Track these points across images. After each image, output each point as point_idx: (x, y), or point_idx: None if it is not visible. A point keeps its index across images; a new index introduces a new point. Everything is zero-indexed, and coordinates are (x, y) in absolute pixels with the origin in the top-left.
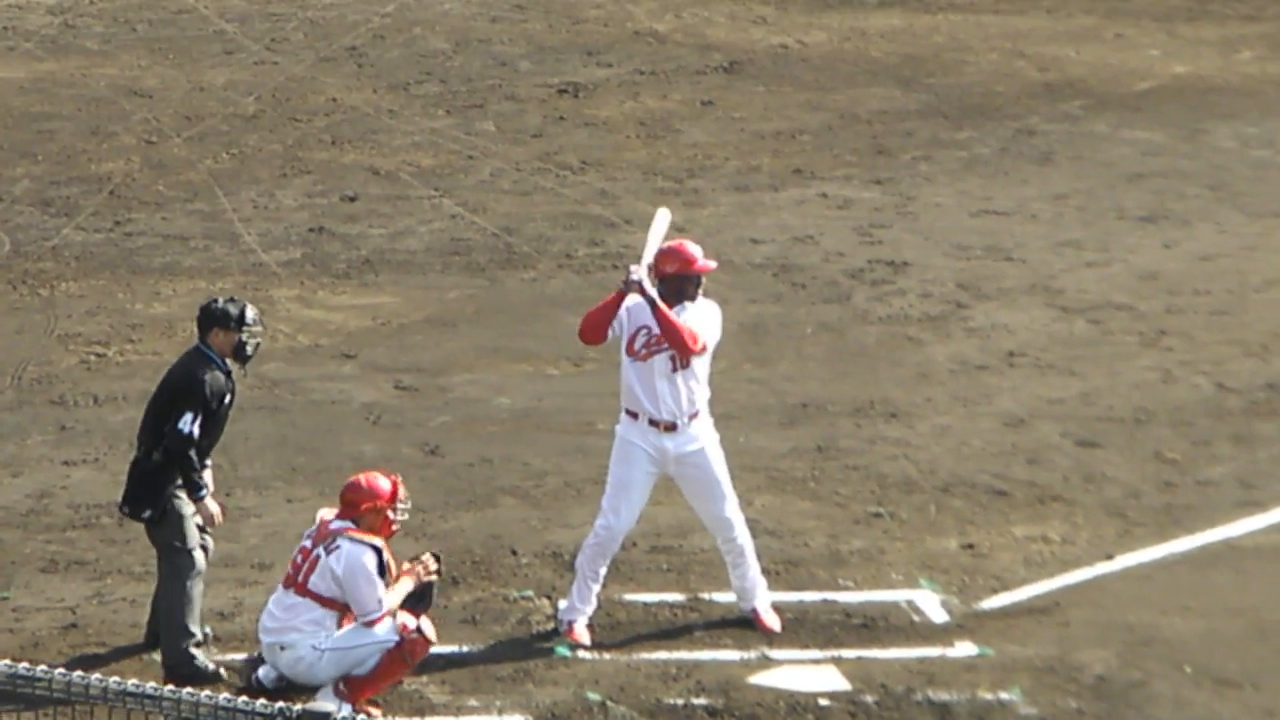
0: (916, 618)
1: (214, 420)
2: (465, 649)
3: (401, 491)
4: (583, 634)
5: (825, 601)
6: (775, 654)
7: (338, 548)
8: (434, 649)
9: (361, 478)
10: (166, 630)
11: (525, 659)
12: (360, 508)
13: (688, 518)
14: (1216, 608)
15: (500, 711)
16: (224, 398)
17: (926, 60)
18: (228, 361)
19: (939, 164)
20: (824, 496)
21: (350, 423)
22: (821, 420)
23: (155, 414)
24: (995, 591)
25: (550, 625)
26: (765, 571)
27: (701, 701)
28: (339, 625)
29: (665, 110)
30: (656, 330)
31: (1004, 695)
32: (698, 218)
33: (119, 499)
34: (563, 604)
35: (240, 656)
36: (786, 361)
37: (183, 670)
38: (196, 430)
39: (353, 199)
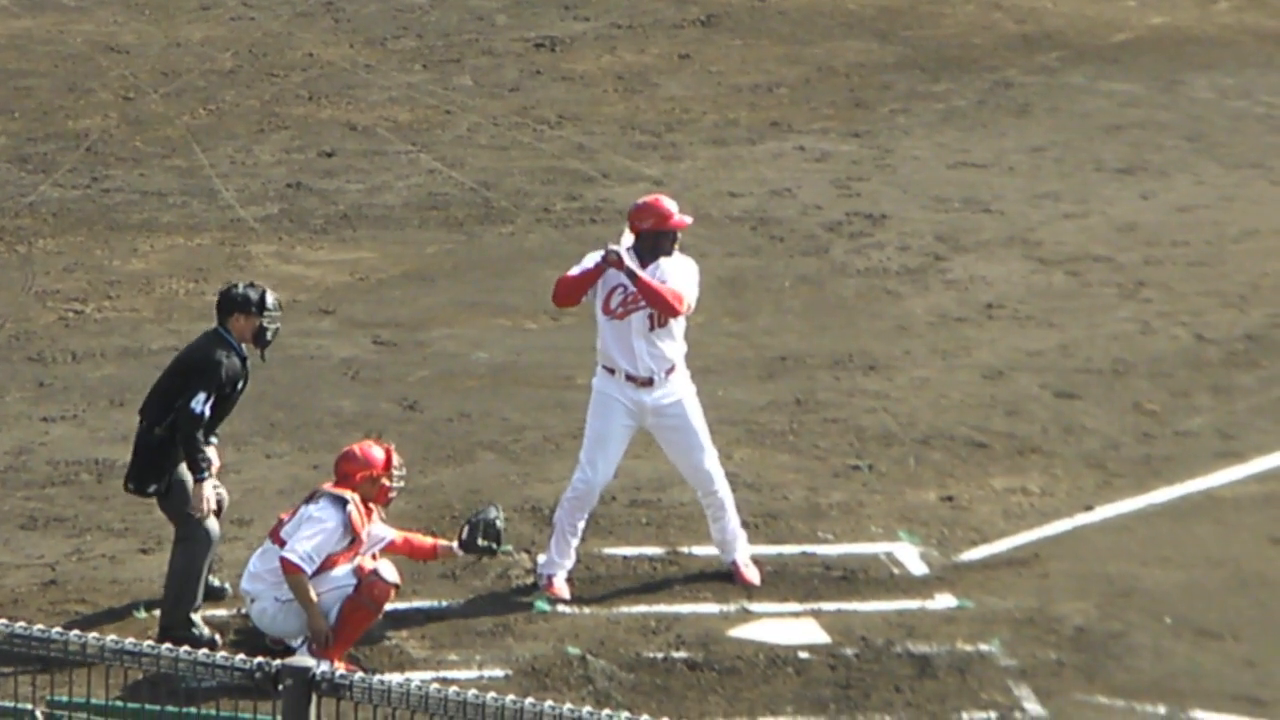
0: (896, 570)
1: (226, 404)
2: (445, 604)
3: (396, 459)
4: (562, 588)
5: (804, 554)
6: (755, 607)
7: (318, 498)
8: (414, 604)
9: (355, 448)
10: (170, 593)
11: (505, 613)
12: (355, 478)
13: (667, 471)
14: (1196, 558)
15: (480, 666)
16: (237, 383)
17: (903, 12)
18: (245, 347)
19: (916, 116)
20: (803, 449)
21: (328, 378)
22: (800, 373)
23: (165, 390)
24: (974, 543)
25: (530, 580)
26: (745, 525)
27: (681, 655)
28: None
29: (643, 64)
30: (632, 289)
31: (983, 647)
32: (675, 171)
33: (125, 475)
34: (542, 558)
35: (221, 613)
36: (765, 315)
37: (178, 634)
38: (208, 411)
39: (330, 154)
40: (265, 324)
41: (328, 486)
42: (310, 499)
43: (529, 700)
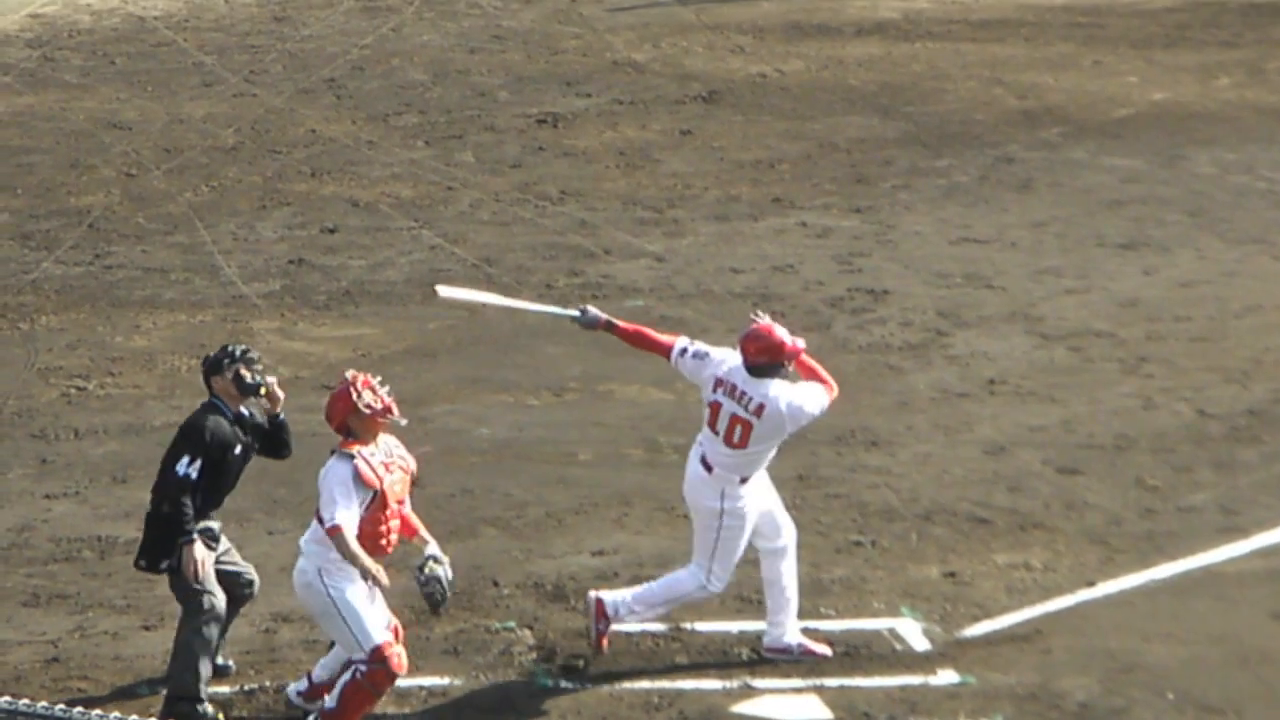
0: (898, 646)
1: (220, 470)
2: (447, 681)
3: (360, 378)
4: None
5: (807, 630)
6: (758, 683)
7: (329, 461)
8: (417, 680)
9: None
10: (174, 668)
11: (508, 690)
12: (337, 421)
13: (669, 547)
14: (1199, 634)
15: None
16: (230, 447)
17: (905, 88)
18: (250, 409)
19: (918, 192)
20: (805, 525)
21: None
22: (802, 449)
23: (163, 463)
24: (977, 619)
25: (532, 655)
26: (747, 600)
27: None
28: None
29: (644, 140)
30: None
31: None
32: (678, 247)
33: (136, 552)
34: (623, 596)
35: (224, 690)
36: None
37: (183, 710)
38: (193, 473)
39: (332, 230)
40: (240, 370)
41: (339, 445)
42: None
43: None
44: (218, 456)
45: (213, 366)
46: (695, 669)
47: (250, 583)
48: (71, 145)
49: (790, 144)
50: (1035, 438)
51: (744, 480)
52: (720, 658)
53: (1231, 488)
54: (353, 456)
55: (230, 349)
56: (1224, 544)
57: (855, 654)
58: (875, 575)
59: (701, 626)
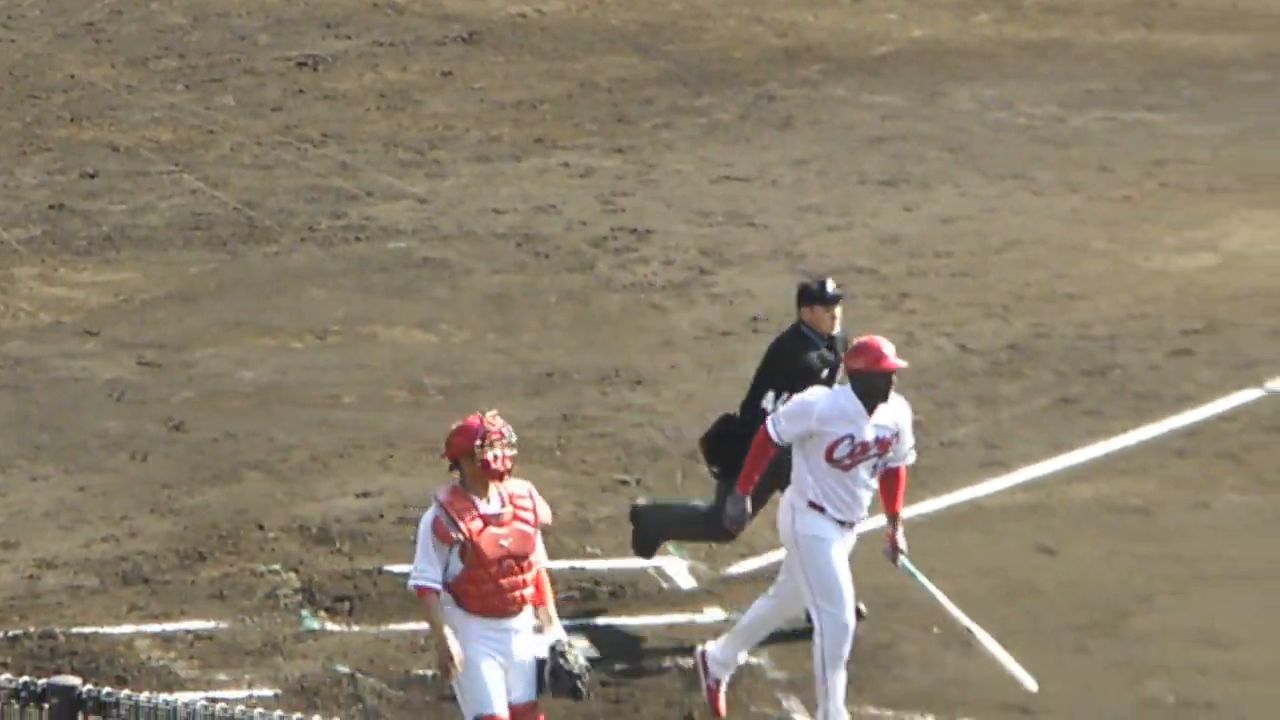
0: (665, 584)
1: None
2: (214, 624)
3: (489, 425)
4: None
5: (574, 569)
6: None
7: None
8: (182, 624)
9: (453, 426)
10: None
11: (273, 632)
12: (454, 456)
13: (433, 487)
14: (964, 568)
15: (249, 685)
16: (815, 377)
17: (665, 27)
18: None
19: (679, 131)
20: (571, 465)
21: (93, 400)
22: (567, 389)
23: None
24: (742, 557)
25: (298, 597)
26: None
27: None
28: (457, 604)
29: (405, 82)
30: (860, 439)
31: (752, 660)
32: (440, 189)
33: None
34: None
35: None
36: (531, 331)
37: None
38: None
39: (93, 175)
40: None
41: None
42: None
43: (297, 718)
44: (801, 387)
45: (802, 296)
46: None
47: None
48: None
49: (551, 84)
50: None
51: (813, 505)
52: None
53: (993, 422)
54: (436, 507)
55: (814, 285)
56: (987, 478)
57: (622, 593)
58: None
59: None
